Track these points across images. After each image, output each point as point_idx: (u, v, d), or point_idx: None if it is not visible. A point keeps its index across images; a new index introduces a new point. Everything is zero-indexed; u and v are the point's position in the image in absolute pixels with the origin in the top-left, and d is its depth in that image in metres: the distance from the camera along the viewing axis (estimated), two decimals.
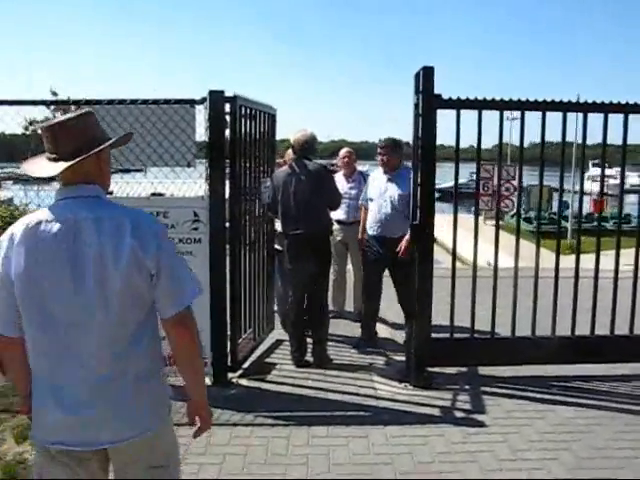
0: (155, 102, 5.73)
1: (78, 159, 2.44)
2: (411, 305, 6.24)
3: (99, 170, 2.56)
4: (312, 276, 6.39)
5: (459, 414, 5.38)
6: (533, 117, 5.79)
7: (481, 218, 6.06)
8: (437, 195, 6.05)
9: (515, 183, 6.31)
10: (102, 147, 2.51)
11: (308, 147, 6.49)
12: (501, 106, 5.77)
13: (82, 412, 2.43)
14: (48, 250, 2.40)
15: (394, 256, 6.69)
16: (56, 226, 2.42)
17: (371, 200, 7.13)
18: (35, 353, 2.49)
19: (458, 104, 5.69)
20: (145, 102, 5.74)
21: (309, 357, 6.57)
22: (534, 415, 5.33)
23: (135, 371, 2.49)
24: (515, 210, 7.03)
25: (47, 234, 2.41)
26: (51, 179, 2.67)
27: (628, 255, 6.24)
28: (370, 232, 7.13)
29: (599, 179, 6.91)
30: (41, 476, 2.58)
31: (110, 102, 5.77)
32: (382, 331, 7.61)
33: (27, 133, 6.40)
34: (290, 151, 6.88)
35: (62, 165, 2.45)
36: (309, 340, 6.66)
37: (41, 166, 2.52)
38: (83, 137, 2.49)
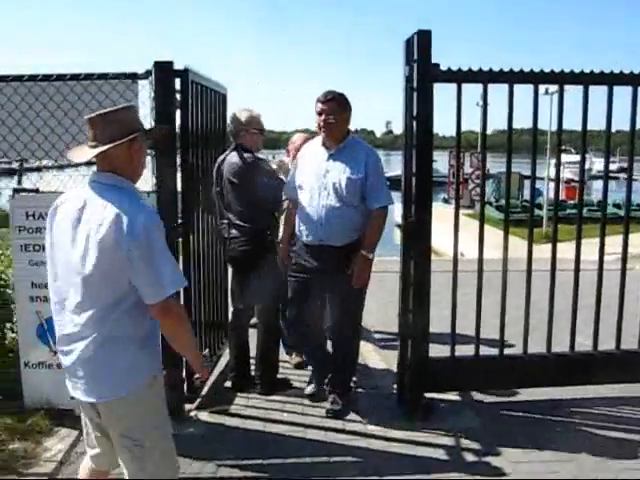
0: (88, 77, 4.65)
1: (107, 147, 2.72)
2: (346, 341, 5.05)
3: (129, 160, 2.80)
4: (252, 291, 5.25)
5: (469, 457, 4.37)
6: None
7: (451, 207, 5.06)
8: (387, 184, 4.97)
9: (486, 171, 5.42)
10: (126, 138, 2.73)
11: (231, 130, 5.35)
12: (512, 78, 4.75)
13: (69, 364, 2.84)
14: (64, 224, 2.78)
15: (335, 273, 4.80)
16: (73, 204, 2.78)
17: (301, 189, 4.92)
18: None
19: (460, 76, 4.67)
20: (75, 77, 4.66)
21: None
22: (560, 457, 4.33)
23: (105, 335, 2.72)
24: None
25: (67, 210, 2.79)
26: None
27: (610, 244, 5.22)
28: (303, 239, 4.92)
29: (569, 165, 5.95)
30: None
31: (32, 78, 4.68)
32: (364, 346, 6.43)
33: None
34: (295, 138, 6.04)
35: (94, 151, 2.75)
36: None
37: (82, 152, 2.84)
38: (118, 127, 2.75)
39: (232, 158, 5.19)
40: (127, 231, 2.60)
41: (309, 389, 5.32)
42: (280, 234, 5.34)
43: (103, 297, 2.70)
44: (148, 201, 2.77)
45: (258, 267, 5.11)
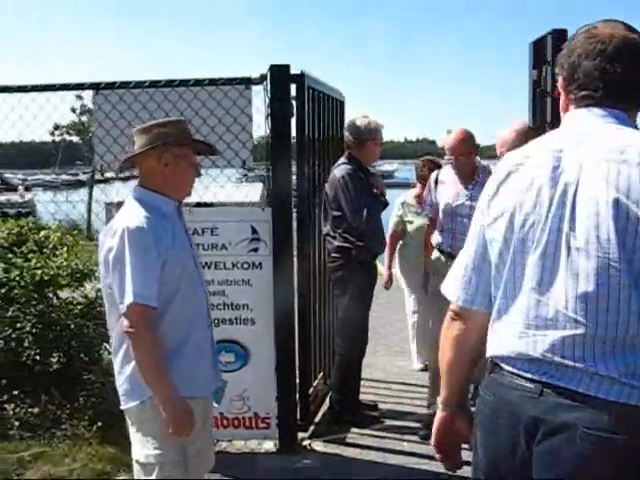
0: (198, 83, 4.39)
1: (129, 155, 2.86)
2: None
3: (159, 172, 2.77)
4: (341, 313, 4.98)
5: None
6: None
7: None
8: None
9: None
10: (145, 148, 2.74)
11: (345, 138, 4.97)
12: None
13: None
14: None
15: None
16: None
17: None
18: None
19: None
20: (185, 83, 4.39)
21: None
22: None
23: (118, 352, 2.81)
24: None
25: None
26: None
27: None
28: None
29: None
30: None
31: (138, 85, 4.41)
32: None
33: (55, 139, 4.98)
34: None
35: (123, 157, 2.97)
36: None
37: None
38: (148, 139, 2.74)
39: (334, 169, 4.86)
40: (111, 234, 2.69)
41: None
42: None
43: (112, 313, 2.80)
44: (158, 212, 2.75)
45: (338, 292, 4.91)
